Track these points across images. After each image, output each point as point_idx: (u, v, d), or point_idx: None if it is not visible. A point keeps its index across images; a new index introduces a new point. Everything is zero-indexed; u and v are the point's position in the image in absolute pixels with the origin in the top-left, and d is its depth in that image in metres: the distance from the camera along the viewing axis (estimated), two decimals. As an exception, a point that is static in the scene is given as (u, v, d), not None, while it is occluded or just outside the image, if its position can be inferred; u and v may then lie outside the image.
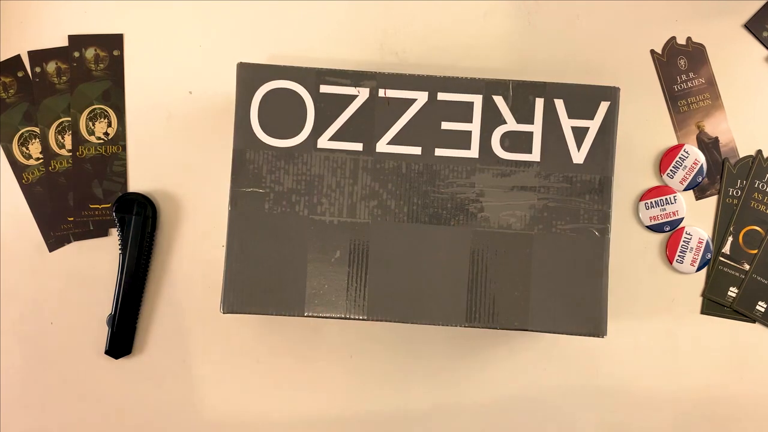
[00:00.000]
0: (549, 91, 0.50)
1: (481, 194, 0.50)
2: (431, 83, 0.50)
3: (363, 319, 0.49)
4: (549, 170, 0.50)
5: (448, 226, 0.50)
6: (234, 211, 0.50)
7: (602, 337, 0.49)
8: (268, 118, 0.50)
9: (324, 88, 0.50)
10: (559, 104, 0.50)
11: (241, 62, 0.50)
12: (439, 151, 0.50)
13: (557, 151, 0.50)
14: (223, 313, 0.49)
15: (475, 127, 0.50)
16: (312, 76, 0.50)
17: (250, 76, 0.50)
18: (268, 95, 0.50)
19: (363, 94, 0.50)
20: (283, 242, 0.50)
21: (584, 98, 0.50)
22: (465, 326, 0.49)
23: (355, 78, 0.50)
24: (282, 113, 0.50)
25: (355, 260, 0.50)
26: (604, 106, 0.50)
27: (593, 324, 0.49)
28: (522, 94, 0.50)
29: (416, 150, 0.50)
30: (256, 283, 0.50)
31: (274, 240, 0.50)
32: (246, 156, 0.50)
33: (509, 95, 0.50)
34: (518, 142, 0.50)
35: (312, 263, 0.50)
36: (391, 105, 0.50)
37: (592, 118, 0.50)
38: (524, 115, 0.50)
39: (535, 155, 0.50)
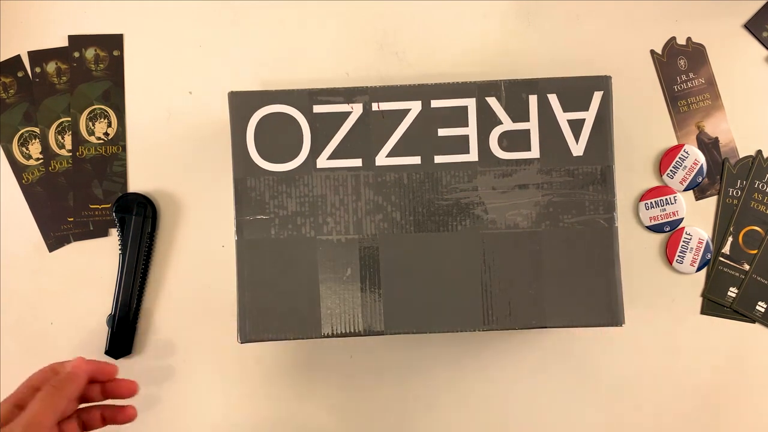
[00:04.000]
0: (541, 86, 0.50)
1: (484, 196, 0.50)
2: (423, 92, 0.50)
3: (381, 333, 0.49)
4: (550, 165, 0.50)
5: (456, 232, 0.50)
6: (241, 240, 0.50)
7: (620, 325, 0.49)
8: (265, 144, 0.50)
9: (317, 108, 0.50)
10: (553, 99, 0.50)
11: (232, 91, 0.50)
12: (439, 158, 0.50)
13: (556, 146, 0.50)
14: (241, 343, 0.49)
15: (471, 131, 0.50)
16: (304, 97, 0.50)
17: (242, 103, 0.50)
18: (262, 121, 0.50)
19: (357, 109, 0.50)
20: (293, 266, 0.50)
21: (577, 90, 0.50)
22: (483, 330, 0.49)
23: (347, 94, 0.50)
24: (278, 137, 0.50)
25: (366, 276, 0.50)
26: (597, 96, 0.50)
27: (610, 314, 0.49)
28: (515, 93, 0.50)
29: (416, 160, 0.50)
30: (271, 310, 0.49)
31: (284, 264, 0.50)
32: (247, 184, 0.50)
33: (502, 95, 0.50)
34: (516, 140, 0.50)
35: (324, 284, 0.50)
36: (386, 117, 0.50)
37: (587, 109, 0.50)
38: (519, 113, 0.50)
39: (534, 152, 0.50)
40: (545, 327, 0.49)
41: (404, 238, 0.50)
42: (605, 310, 0.49)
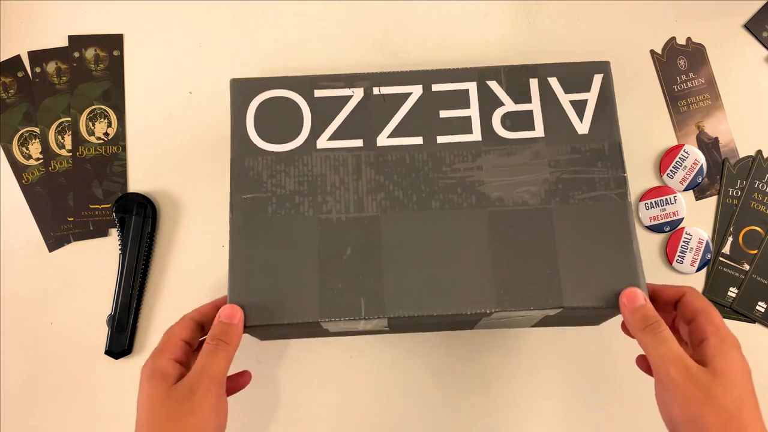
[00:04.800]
0: (541, 71, 0.50)
1: (490, 174, 0.49)
2: (424, 77, 0.50)
3: (384, 317, 0.47)
4: (556, 143, 0.49)
5: (461, 209, 0.48)
6: (235, 219, 0.48)
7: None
8: (265, 126, 0.49)
9: (318, 93, 0.50)
10: (554, 81, 0.50)
11: (233, 78, 0.50)
12: (441, 138, 0.49)
13: (560, 125, 0.49)
14: None
15: (473, 112, 0.50)
16: (306, 83, 0.50)
17: (243, 89, 0.50)
18: (263, 104, 0.50)
19: (357, 93, 0.50)
20: (290, 246, 0.47)
21: (577, 74, 0.50)
22: (496, 311, 0.46)
23: (349, 80, 0.50)
24: (278, 120, 0.50)
25: (368, 255, 0.47)
26: (598, 78, 0.50)
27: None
28: (515, 77, 0.50)
29: (418, 140, 0.49)
30: (266, 293, 0.47)
31: (281, 245, 0.47)
32: (244, 163, 0.49)
33: (502, 79, 0.50)
34: (519, 120, 0.50)
35: (323, 264, 0.47)
36: (388, 100, 0.50)
37: (589, 90, 0.50)
38: (521, 95, 0.50)
39: (538, 131, 0.49)
40: (563, 307, 0.46)
41: (408, 217, 0.48)
42: (627, 285, 0.46)
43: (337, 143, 0.49)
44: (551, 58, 0.59)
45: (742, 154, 0.59)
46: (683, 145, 0.58)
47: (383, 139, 0.49)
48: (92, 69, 0.60)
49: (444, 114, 0.50)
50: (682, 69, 0.59)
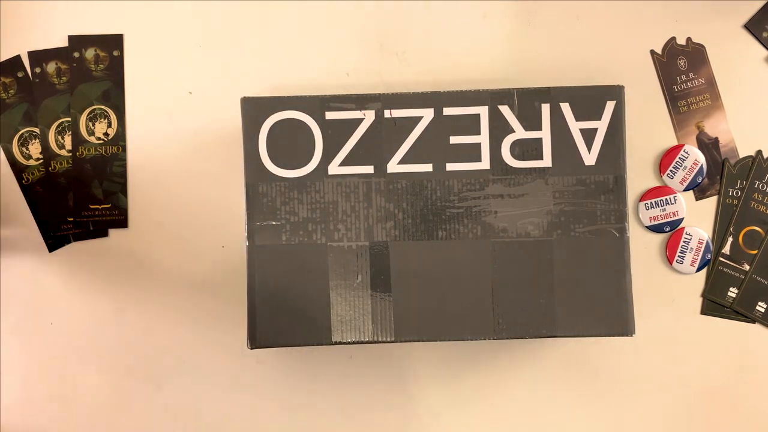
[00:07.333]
0: (554, 95, 0.50)
1: (496, 205, 0.50)
2: (436, 99, 0.50)
3: (391, 342, 0.49)
4: (562, 174, 0.50)
5: (467, 240, 0.50)
6: (252, 246, 0.50)
7: (631, 335, 0.49)
8: (277, 150, 0.50)
9: (329, 115, 0.50)
10: (566, 108, 0.50)
11: (244, 97, 0.50)
12: (451, 166, 0.50)
13: (568, 155, 0.50)
14: (251, 348, 0.50)
15: (483, 139, 0.50)
16: (316, 104, 0.50)
17: (254, 109, 0.50)
18: (274, 127, 0.50)
19: (369, 116, 0.50)
20: (303, 272, 0.50)
21: (590, 99, 0.50)
22: (493, 339, 0.49)
23: (360, 101, 0.50)
24: (290, 143, 0.50)
25: (377, 283, 0.50)
26: (610, 106, 0.50)
27: (621, 324, 0.49)
28: (527, 101, 0.50)
29: (427, 167, 0.50)
30: (281, 316, 0.50)
31: (295, 271, 0.50)
32: (259, 189, 0.50)
33: (515, 104, 0.50)
34: (528, 149, 0.50)
35: (335, 290, 0.50)
36: (398, 124, 0.50)
37: (600, 119, 0.50)
38: (531, 121, 0.50)
39: (546, 161, 0.50)
40: (555, 336, 0.49)
41: (415, 246, 0.50)
42: (616, 320, 0.49)
43: (349, 169, 0.50)
44: (550, 59, 0.60)
45: (742, 154, 0.59)
46: (683, 145, 0.58)
47: (393, 166, 0.50)
48: (92, 69, 0.60)
49: (454, 140, 0.50)
50: (682, 69, 0.59)
